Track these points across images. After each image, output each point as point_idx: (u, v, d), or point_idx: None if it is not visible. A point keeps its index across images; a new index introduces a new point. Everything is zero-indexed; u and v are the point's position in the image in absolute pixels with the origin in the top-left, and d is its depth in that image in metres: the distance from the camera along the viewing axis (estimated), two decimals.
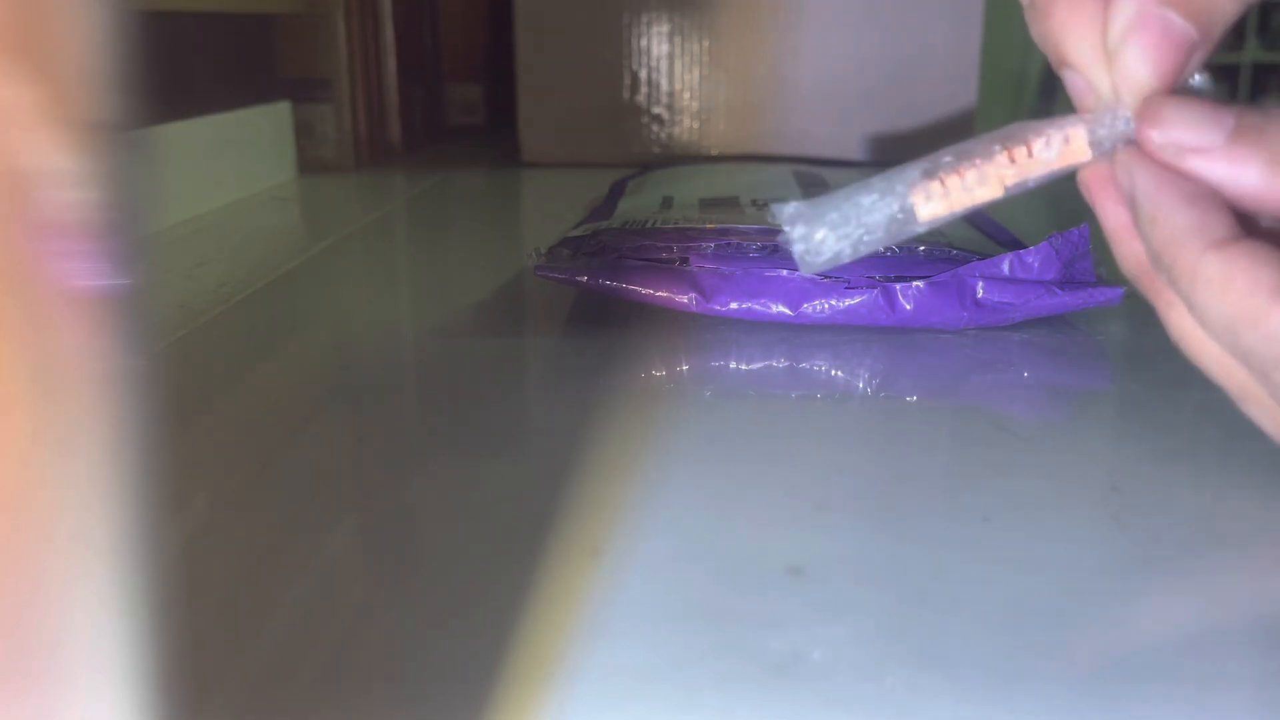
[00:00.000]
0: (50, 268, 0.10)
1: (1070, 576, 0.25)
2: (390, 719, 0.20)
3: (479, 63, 1.17)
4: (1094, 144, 0.26)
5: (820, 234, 0.26)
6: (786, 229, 0.26)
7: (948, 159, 0.26)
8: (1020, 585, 0.24)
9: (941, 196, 0.26)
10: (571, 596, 0.24)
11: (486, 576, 0.25)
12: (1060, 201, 0.77)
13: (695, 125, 0.92)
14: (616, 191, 0.60)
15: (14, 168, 0.09)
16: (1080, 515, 0.28)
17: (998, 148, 0.26)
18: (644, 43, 0.92)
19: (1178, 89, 0.25)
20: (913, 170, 0.26)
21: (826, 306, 0.42)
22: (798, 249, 0.26)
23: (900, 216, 0.26)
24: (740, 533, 0.27)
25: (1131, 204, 0.25)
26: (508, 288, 0.52)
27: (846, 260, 0.26)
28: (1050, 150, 0.26)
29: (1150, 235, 0.25)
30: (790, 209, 0.26)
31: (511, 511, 0.29)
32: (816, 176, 0.60)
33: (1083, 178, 0.27)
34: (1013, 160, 0.26)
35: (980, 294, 0.42)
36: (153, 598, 0.11)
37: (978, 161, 0.26)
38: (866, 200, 0.26)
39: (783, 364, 0.41)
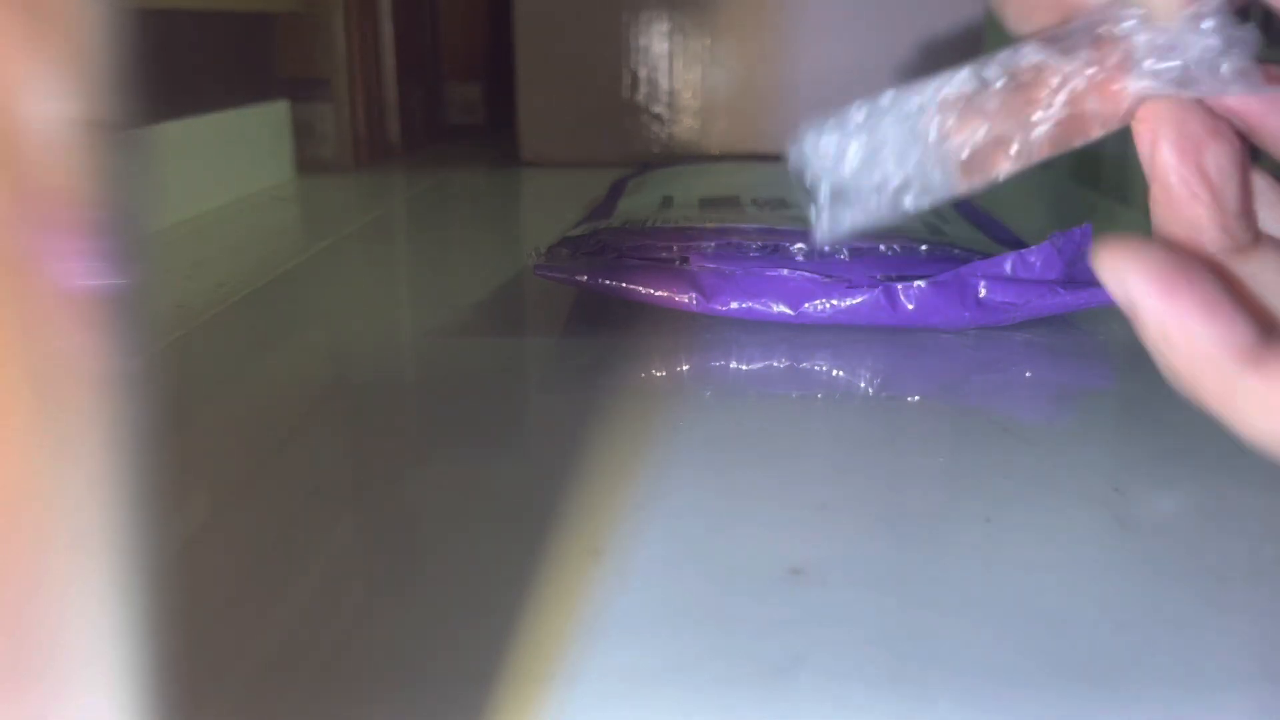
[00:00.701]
0: (49, 268, 0.10)
1: (1072, 577, 0.25)
2: (390, 719, 0.20)
3: (479, 62, 1.17)
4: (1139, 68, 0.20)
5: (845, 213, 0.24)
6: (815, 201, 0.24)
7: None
8: (1022, 585, 0.24)
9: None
10: (571, 597, 0.24)
11: (487, 577, 0.25)
12: (1061, 201, 0.77)
13: (695, 124, 0.92)
14: (616, 191, 0.60)
15: (13, 167, 0.09)
16: (1082, 515, 0.28)
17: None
18: (644, 42, 0.91)
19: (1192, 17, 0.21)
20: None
21: (828, 306, 0.42)
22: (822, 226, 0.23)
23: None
24: (741, 533, 0.27)
25: (1134, 322, 0.20)
26: (508, 288, 0.52)
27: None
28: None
29: (1167, 358, 0.19)
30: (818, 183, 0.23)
31: (511, 511, 0.29)
32: None
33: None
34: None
35: (982, 294, 0.42)
36: (152, 597, 0.11)
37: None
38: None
39: (783, 364, 0.40)
